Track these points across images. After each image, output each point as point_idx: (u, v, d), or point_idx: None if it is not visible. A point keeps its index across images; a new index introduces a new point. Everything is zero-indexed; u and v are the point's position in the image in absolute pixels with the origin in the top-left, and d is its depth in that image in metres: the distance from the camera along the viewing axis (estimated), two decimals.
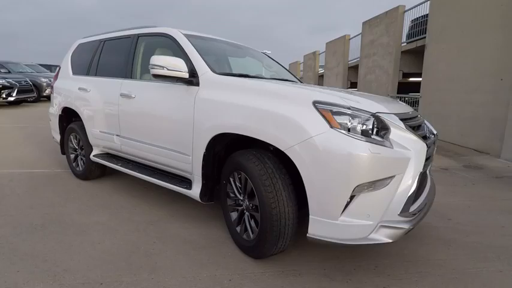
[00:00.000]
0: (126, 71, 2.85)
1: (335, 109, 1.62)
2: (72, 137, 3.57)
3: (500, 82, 5.63)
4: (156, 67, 2.13)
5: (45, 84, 11.81)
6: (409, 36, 9.46)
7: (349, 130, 1.57)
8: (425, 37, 8.12)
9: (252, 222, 1.92)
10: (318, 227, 1.61)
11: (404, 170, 1.63)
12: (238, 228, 2.08)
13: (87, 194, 3.10)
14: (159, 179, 2.51)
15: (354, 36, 12.75)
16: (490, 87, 5.81)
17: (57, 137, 3.85)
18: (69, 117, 3.73)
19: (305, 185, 1.61)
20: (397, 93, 9.63)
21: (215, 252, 2.04)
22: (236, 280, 1.74)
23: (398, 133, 1.70)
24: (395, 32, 9.39)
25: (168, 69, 2.13)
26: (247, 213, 1.99)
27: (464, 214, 2.87)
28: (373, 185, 1.56)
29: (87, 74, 3.37)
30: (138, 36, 2.87)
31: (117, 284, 1.68)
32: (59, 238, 2.18)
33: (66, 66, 3.75)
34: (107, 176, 3.63)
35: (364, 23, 11.20)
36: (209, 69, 2.21)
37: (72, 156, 3.65)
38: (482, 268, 1.97)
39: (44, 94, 11.71)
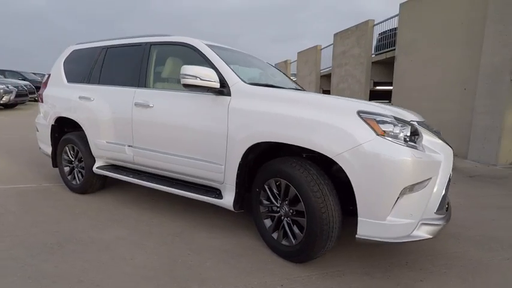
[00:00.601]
0: (140, 80, 2.77)
1: (378, 118, 1.76)
2: (67, 148, 3.35)
3: (464, 91, 6.31)
4: (188, 77, 2.13)
5: (1, 91, 10.78)
6: (377, 48, 10.21)
7: (393, 137, 1.72)
8: (393, 49, 8.84)
9: (295, 228, 1.98)
10: (367, 228, 1.72)
11: (438, 172, 1.82)
12: (274, 235, 2.12)
13: (92, 208, 2.93)
14: (183, 190, 2.47)
15: (325, 47, 13.40)
16: (456, 96, 6.49)
17: (47, 149, 3.58)
18: (62, 128, 3.51)
19: (354, 189, 1.72)
20: (369, 100, 10.30)
21: (254, 260, 2.05)
22: (287, 285, 1.78)
23: (429, 139, 1.90)
24: (366, 44, 10.07)
25: (200, 79, 2.14)
26: (286, 219, 2.04)
27: (458, 211, 3.18)
28: (415, 186, 1.71)
29: (88, 82, 3.21)
30: (151, 44, 2.81)
31: None
32: (84, 256, 2.04)
33: (59, 73, 3.53)
34: (105, 189, 3.45)
35: (335, 35, 11.85)
36: (240, 80, 2.25)
37: (67, 169, 3.42)
38: (492, 258, 2.21)
39: (1, 102, 10.69)
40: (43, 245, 2.19)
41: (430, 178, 1.77)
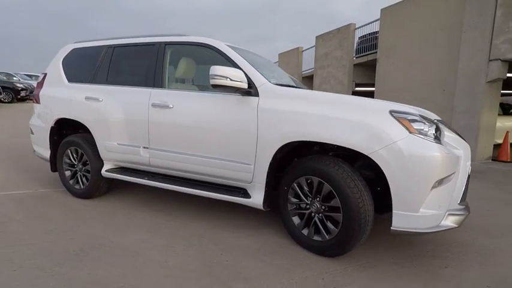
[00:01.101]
0: (155, 80, 2.72)
1: (410, 117, 1.88)
2: (70, 151, 3.19)
3: (443, 92, 6.77)
4: (218, 77, 2.13)
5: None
6: (357, 51, 10.63)
7: (423, 135, 1.84)
8: (375, 52, 9.26)
9: (328, 223, 2.05)
10: (402, 220, 1.83)
11: (459, 166, 1.97)
12: (305, 231, 2.18)
13: (103, 213, 2.82)
14: (206, 191, 2.46)
15: (307, 49, 13.72)
16: (436, 97, 6.93)
17: (45, 153, 3.39)
18: (61, 130, 3.35)
19: (390, 184, 1.82)
20: None
21: (287, 256, 2.10)
22: (328, 278, 1.85)
23: (448, 135, 2.05)
24: (348, 46, 10.45)
25: (230, 80, 2.15)
26: (317, 215, 2.11)
27: None
28: (444, 180, 1.85)
29: (93, 82, 3.08)
30: (166, 44, 2.77)
31: None
32: (114, 262, 1.98)
33: (57, 73, 3.35)
34: (109, 194, 3.33)
35: (317, 37, 12.18)
36: (267, 80, 2.29)
37: (68, 173, 3.26)
38: (498, 243, 2.42)
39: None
40: (65, 252, 2.09)
41: (455, 172, 1.92)
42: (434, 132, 1.90)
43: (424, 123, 1.88)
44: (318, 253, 2.10)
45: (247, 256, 2.10)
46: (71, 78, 3.25)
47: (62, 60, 3.39)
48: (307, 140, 2.03)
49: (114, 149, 2.87)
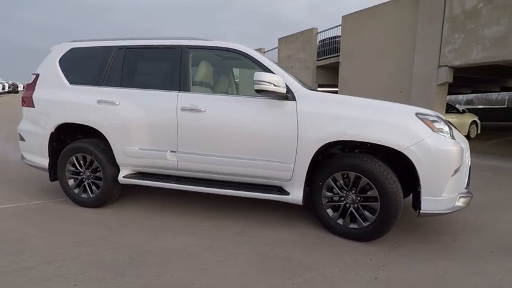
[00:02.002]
0: (181, 84, 2.71)
1: (431, 118, 2.25)
2: (75, 158, 2.99)
3: (400, 94, 7.68)
4: (262, 83, 2.27)
5: None
6: (318, 54, 11.37)
7: (443, 132, 2.23)
8: (336, 55, 10.02)
9: (365, 212, 2.33)
10: (429, 204, 2.20)
11: (464, 158, 2.42)
12: (340, 221, 2.44)
13: (125, 220, 2.74)
14: (241, 191, 2.57)
15: (269, 50, 14.15)
16: (394, 98, 7.82)
17: (41, 161, 3.10)
18: (60, 136, 3.11)
19: (419, 174, 2.17)
20: None
21: (331, 245, 2.33)
22: (374, 259, 2.13)
23: (455, 132, 2.49)
24: (311, 49, 11.11)
25: (273, 85, 2.30)
26: (353, 206, 2.38)
27: None
28: (458, 169, 2.27)
29: (103, 84, 2.93)
30: (189, 48, 2.78)
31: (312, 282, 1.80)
32: (176, 266, 2.00)
33: (54, 74, 3.09)
34: (117, 201, 3.20)
35: (280, 39, 12.67)
36: (301, 86, 2.49)
37: (72, 181, 3.05)
38: (481, 219, 2.96)
39: None
40: (115, 261, 2.03)
41: (463, 162, 2.36)
42: (448, 129, 2.30)
43: (442, 122, 2.27)
44: (355, 239, 2.38)
45: (295, 248, 2.28)
46: (74, 80, 3.04)
47: (58, 60, 3.13)
48: (347, 139, 2.29)
49: (135, 154, 2.79)
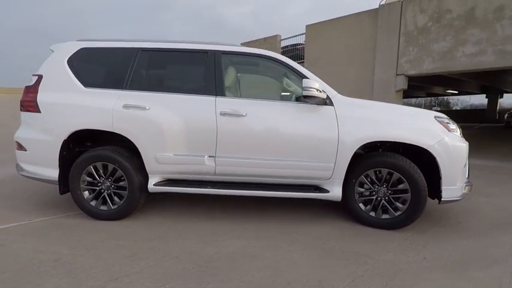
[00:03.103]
0: (217, 88, 2.72)
1: (445, 120, 2.68)
2: (93, 168, 2.75)
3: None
4: (310, 89, 2.45)
5: None
6: None
7: (456, 132, 2.68)
8: (301, 62, 10.61)
9: (397, 203, 2.65)
10: (448, 193, 2.61)
11: None
12: (372, 214, 2.73)
13: (161, 230, 2.64)
14: (282, 191, 2.69)
15: None
16: None
17: (47, 173, 2.78)
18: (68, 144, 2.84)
19: (440, 168, 2.56)
20: None
21: (370, 234, 2.58)
22: (413, 242, 2.44)
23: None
24: None
25: (319, 91, 2.49)
26: (385, 198, 2.69)
27: None
28: (467, 162, 2.74)
29: (125, 88, 2.77)
30: (222, 53, 2.80)
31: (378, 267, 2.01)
32: (250, 268, 2.04)
33: (63, 75, 2.81)
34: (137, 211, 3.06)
35: (242, 44, 12.87)
36: (336, 92, 2.72)
37: (87, 193, 2.80)
38: (466, 205, 3.55)
39: None
40: (186, 270, 1.99)
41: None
42: (458, 130, 2.76)
43: (453, 124, 2.72)
44: (386, 228, 2.68)
45: (342, 240, 2.48)
46: (88, 83, 2.81)
47: (66, 60, 2.86)
48: (383, 140, 2.59)
49: (169, 160, 2.70)
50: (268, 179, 2.77)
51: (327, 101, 2.66)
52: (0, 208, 3.03)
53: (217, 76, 2.75)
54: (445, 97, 34.68)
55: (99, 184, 2.80)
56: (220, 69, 2.76)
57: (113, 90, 2.77)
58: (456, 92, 19.83)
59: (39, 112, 2.75)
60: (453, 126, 2.70)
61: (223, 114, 2.65)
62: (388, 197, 2.69)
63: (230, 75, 2.89)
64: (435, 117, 2.68)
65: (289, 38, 11.35)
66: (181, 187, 2.76)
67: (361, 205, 2.76)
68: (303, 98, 2.54)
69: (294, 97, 2.86)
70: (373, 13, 8.09)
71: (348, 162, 2.62)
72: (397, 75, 7.59)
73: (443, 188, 2.61)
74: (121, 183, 2.78)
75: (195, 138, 2.68)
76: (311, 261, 2.15)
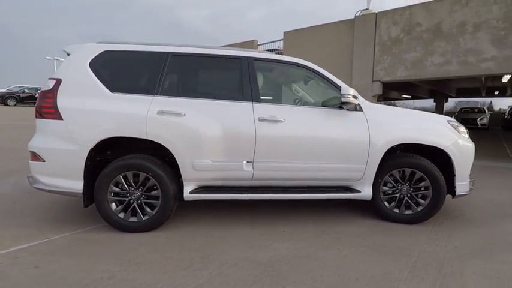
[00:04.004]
0: (253, 95, 2.75)
1: (456, 124, 3.02)
2: (123, 177, 2.61)
3: None
4: (348, 96, 2.62)
5: None
6: None
7: (464, 134, 3.02)
8: None
9: (419, 199, 2.91)
10: (460, 188, 2.93)
11: None
12: (396, 210, 2.96)
13: (197, 239, 2.58)
14: (317, 193, 2.81)
15: None
16: None
17: (72, 185, 2.57)
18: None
19: (455, 166, 2.87)
20: None
21: (399, 230, 2.78)
22: (439, 234, 2.70)
23: None
24: None
25: (354, 98, 2.66)
26: (408, 195, 2.93)
27: None
28: (473, 161, 3.10)
29: (157, 93, 2.67)
30: (254, 59, 2.84)
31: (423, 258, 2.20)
32: (314, 268, 2.11)
33: (87, 80, 2.63)
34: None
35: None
36: (364, 99, 2.91)
37: (116, 205, 2.65)
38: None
39: None
40: (255, 276, 2.00)
41: None
42: (467, 132, 3.11)
43: (462, 127, 3.07)
44: (409, 223, 2.92)
45: (378, 237, 2.65)
46: (115, 88, 2.66)
47: (88, 63, 2.67)
48: (409, 142, 2.83)
49: (207, 167, 2.66)
50: (303, 182, 2.86)
51: (357, 107, 2.84)
52: (7, 226, 2.71)
53: (252, 82, 2.78)
54: (393, 101, 38.07)
55: (128, 194, 2.65)
56: (254, 75, 2.80)
57: (144, 95, 2.66)
58: (410, 96, 21.77)
59: (61, 119, 2.53)
60: (462, 129, 3.05)
61: (261, 120, 2.69)
62: (411, 194, 2.94)
63: (262, 82, 2.94)
64: (448, 121, 3.00)
65: (267, 43, 11.61)
66: (219, 194, 2.73)
67: (385, 203, 2.98)
68: (341, 104, 2.69)
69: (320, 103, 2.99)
70: (349, 23, 8.64)
71: (378, 163, 2.82)
72: (373, 81, 8.18)
73: (457, 184, 2.93)
74: (153, 193, 2.67)
75: (234, 144, 2.68)
76: (362, 257, 2.29)
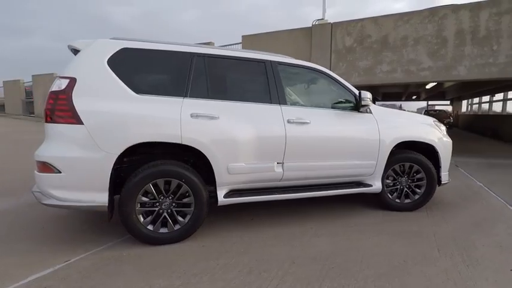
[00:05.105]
0: (280, 97, 2.82)
1: (437, 123, 3.57)
2: (153, 186, 2.42)
3: None
4: (367, 99, 2.90)
5: None
6: None
7: (444, 131, 3.60)
8: None
9: (417, 189, 3.36)
10: (444, 178, 3.48)
11: None
12: (397, 200, 3.37)
13: (237, 244, 2.57)
14: (335, 190, 3.03)
15: None
16: None
17: (95, 197, 2.29)
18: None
19: (441, 158, 3.40)
20: None
21: (407, 218, 3.18)
22: (434, 217, 3.18)
23: None
24: None
25: (370, 101, 2.96)
26: (406, 186, 3.36)
27: None
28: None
29: (185, 95, 2.55)
30: (278, 63, 2.92)
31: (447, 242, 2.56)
32: (368, 258, 2.29)
33: (108, 79, 2.37)
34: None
35: None
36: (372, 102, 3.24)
37: (143, 216, 2.45)
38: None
39: None
40: (318, 271, 2.09)
41: None
42: (445, 130, 3.69)
43: (442, 126, 3.64)
44: (409, 210, 3.34)
45: (392, 225, 2.99)
46: (140, 89, 2.45)
47: (106, 62, 2.41)
48: (410, 140, 3.24)
49: (241, 170, 2.63)
50: (324, 179, 3.04)
51: (367, 109, 3.15)
52: (7, 253, 2.25)
53: (278, 85, 2.86)
54: None
55: (157, 204, 2.47)
56: (279, 78, 2.88)
57: (173, 97, 2.51)
58: None
59: (80, 123, 2.23)
60: (443, 127, 3.63)
61: (290, 122, 2.79)
62: (409, 185, 3.38)
63: (291, 85, 3.04)
64: (433, 121, 3.54)
65: (225, 46, 11.53)
66: (252, 196, 2.73)
67: (388, 194, 3.36)
68: (357, 107, 2.98)
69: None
70: (307, 31, 9.22)
71: (386, 159, 3.18)
72: None
73: (442, 174, 3.48)
74: (184, 200, 2.53)
75: (267, 146, 2.71)
76: (393, 243, 2.57)
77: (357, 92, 3.14)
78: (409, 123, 3.37)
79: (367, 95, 2.93)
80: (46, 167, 2.21)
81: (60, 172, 2.21)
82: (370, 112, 3.17)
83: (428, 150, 3.41)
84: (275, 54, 3.01)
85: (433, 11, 7.51)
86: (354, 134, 3.05)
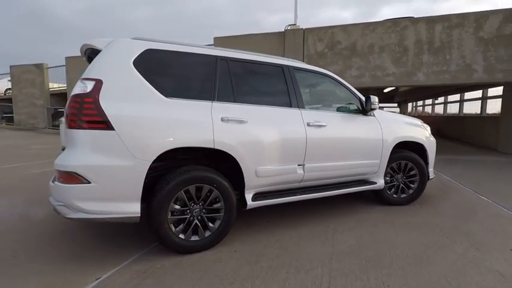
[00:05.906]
0: (298, 101, 2.92)
1: (425, 125, 3.98)
2: (184, 193, 2.35)
3: None
4: (376, 103, 3.14)
5: None
6: None
7: (429, 131, 4.02)
8: None
9: (411, 185, 3.70)
10: (431, 173, 3.90)
11: None
12: (395, 195, 3.69)
13: (269, 247, 2.60)
14: (345, 188, 3.22)
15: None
16: None
17: (128, 208, 2.16)
18: None
19: (428, 156, 3.80)
20: None
21: (403, 210, 3.50)
22: (428, 209, 3.54)
23: None
24: None
25: (378, 105, 3.21)
26: (402, 182, 3.69)
27: None
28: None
29: (213, 99, 2.52)
30: (294, 68, 3.02)
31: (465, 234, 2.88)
32: (396, 245, 2.48)
33: (135, 82, 2.24)
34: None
35: (67, 58, 12.11)
36: None
37: (174, 225, 2.37)
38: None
39: None
40: (356, 265, 2.22)
41: None
42: (430, 130, 4.12)
43: (428, 127, 4.06)
44: (405, 204, 3.68)
45: (399, 217, 3.27)
46: (168, 92, 2.36)
47: (132, 63, 2.28)
48: (406, 140, 3.57)
49: (267, 173, 2.67)
50: (337, 179, 3.21)
51: (371, 112, 3.41)
52: (32, 273, 1.99)
53: (296, 89, 2.95)
54: None
55: (188, 211, 2.40)
56: (297, 83, 2.98)
57: (202, 101, 2.46)
58: None
59: (111, 129, 2.07)
60: (428, 128, 4.06)
61: (309, 125, 2.90)
62: (404, 181, 3.72)
63: (306, 89, 3.15)
64: (422, 122, 3.94)
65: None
66: (278, 198, 2.78)
67: (387, 190, 3.66)
68: (370, 110, 3.20)
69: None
70: (280, 35, 9.46)
71: (388, 157, 3.46)
72: None
73: (429, 170, 3.89)
74: (215, 206, 2.49)
75: (290, 148, 2.79)
76: (408, 234, 2.81)
77: (362, 96, 3.38)
78: (404, 124, 3.72)
79: (375, 99, 3.18)
80: (73, 177, 2.01)
81: (89, 182, 2.03)
82: (373, 115, 3.43)
83: (418, 149, 3.79)
84: (289, 59, 3.10)
85: (395, 22, 8.26)
86: (363, 135, 3.28)
